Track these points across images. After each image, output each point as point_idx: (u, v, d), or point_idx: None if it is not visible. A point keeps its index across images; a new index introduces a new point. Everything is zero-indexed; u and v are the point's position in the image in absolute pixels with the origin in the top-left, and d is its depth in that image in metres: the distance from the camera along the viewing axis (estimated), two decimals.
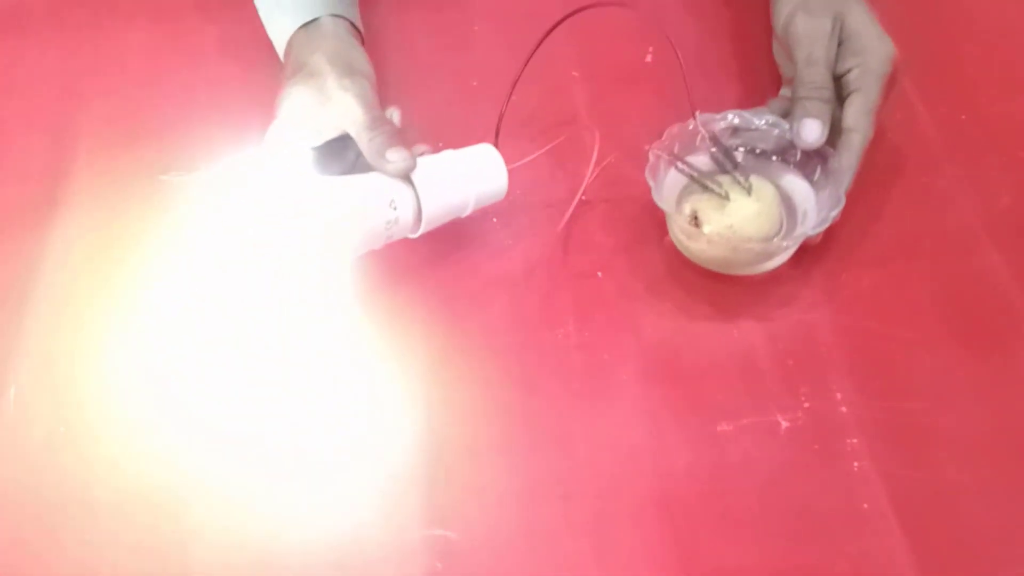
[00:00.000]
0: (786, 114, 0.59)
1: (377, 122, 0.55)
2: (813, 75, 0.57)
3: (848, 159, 0.56)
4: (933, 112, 0.65)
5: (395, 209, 0.54)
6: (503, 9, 0.72)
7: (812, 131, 0.56)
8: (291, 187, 0.54)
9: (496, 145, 0.58)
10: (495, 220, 0.61)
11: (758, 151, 0.59)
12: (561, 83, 0.68)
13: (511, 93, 0.59)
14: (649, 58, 0.65)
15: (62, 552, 0.49)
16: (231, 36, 0.71)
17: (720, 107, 0.60)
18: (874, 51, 0.57)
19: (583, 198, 0.61)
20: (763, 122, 0.59)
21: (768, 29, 0.64)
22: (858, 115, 0.56)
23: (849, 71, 0.58)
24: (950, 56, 0.69)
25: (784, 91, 0.62)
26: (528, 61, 0.60)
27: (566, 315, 0.57)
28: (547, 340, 0.56)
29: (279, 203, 0.53)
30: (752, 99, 0.65)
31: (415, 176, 0.55)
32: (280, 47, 0.62)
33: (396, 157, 0.54)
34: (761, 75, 0.66)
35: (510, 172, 0.58)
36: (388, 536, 0.49)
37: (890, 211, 0.61)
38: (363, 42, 0.63)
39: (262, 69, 0.65)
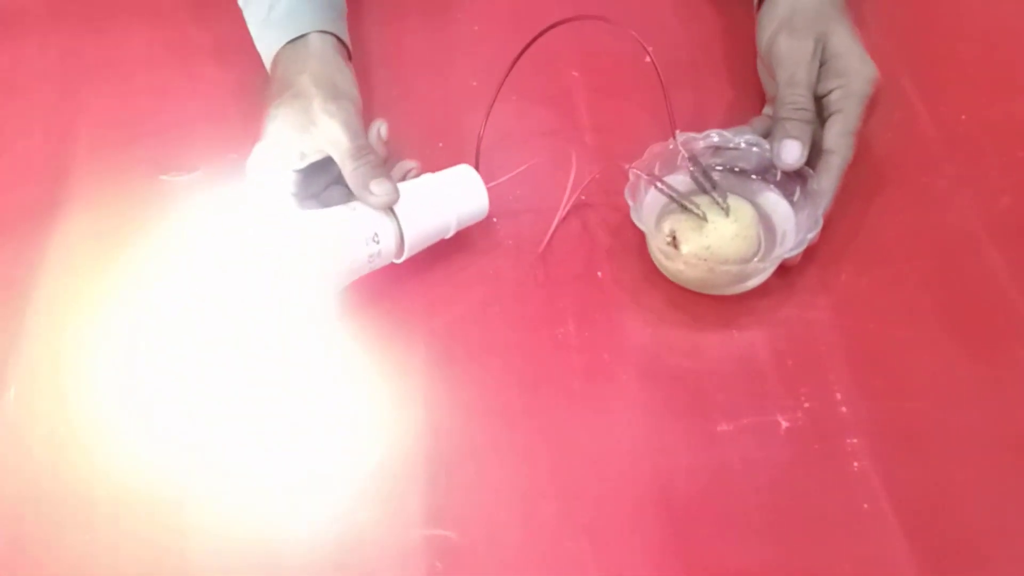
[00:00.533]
0: (768, 133, 0.59)
1: (361, 151, 0.55)
2: (794, 96, 0.57)
3: (827, 181, 0.56)
4: (933, 112, 0.65)
5: (377, 243, 0.55)
6: (503, 9, 0.72)
7: (792, 152, 0.56)
8: (271, 225, 0.54)
9: (476, 166, 0.58)
10: (495, 220, 0.61)
11: (738, 170, 0.60)
12: (560, 83, 0.68)
13: (487, 116, 0.59)
14: (649, 58, 0.64)
15: (62, 552, 0.49)
16: (230, 37, 0.71)
17: (709, 117, 0.60)
18: (856, 73, 0.57)
19: (582, 198, 0.61)
20: (744, 141, 0.59)
21: (754, 30, 0.64)
22: (838, 137, 0.56)
23: (831, 92, 0.57)
24: (950, 56, 0.69)
25: (767, 110, 0.62)
26: (502, 84, 0.60)
27: (566, 315, 0.57)
28: (547, 340, 0.56)
29: (260, 241, 0.53)
30: (742, 108, 0.65)
31: (396, 205, 0.55)
32: (268, 61, 0.62)
33: (380, 190, 0.54)
34: (752, 85, 0.66)
35: (506, 180, 0.58)
36: (388, 536, 0.49)
37: (890, 211, 0.61)
38: (350, 56, 0.63)
39: (260, 70, 0.65)
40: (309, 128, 0.56)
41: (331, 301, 0.57)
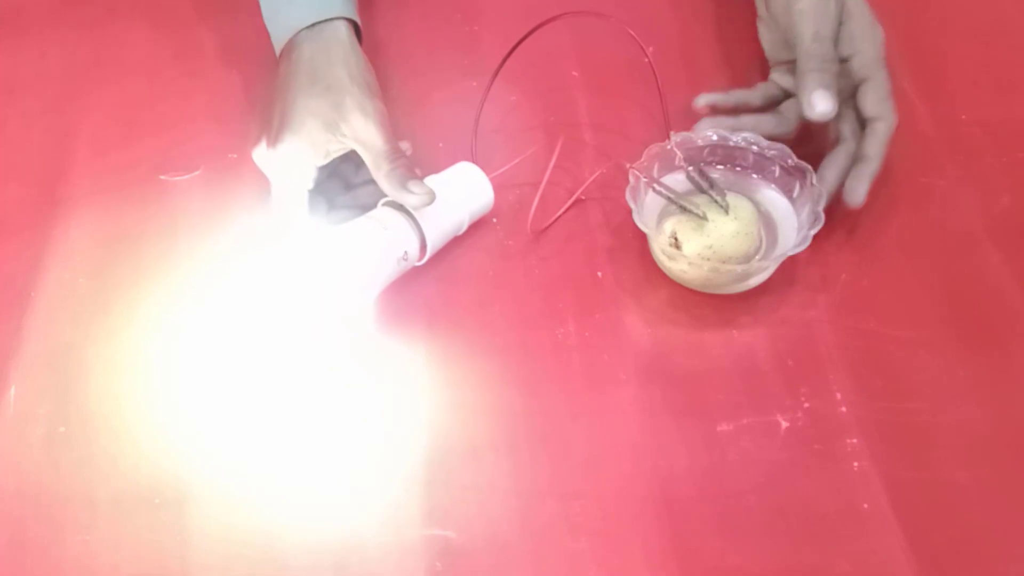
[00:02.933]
0: (772, 100, 0.59)
1: (395, 153, 0.55)
2: (821, 49, 0.57)
3: (875, 146, 0.56)
4: (933, 112, 0.65)
5: (406, 260, 0.55)
6: (503, 9, 0.72)
7: (824, 101, 0.56)
8: (306, 245, 0.54)
9: (474, 159, 0.59)
10: (495, 221, 0.61)
11: (738, 168, 0.60)
12: (560, 83, 0.68)
13: (481, 108, 0.60)
14: (647, 58, 0.65)
15: (62, 552, 0.49)
16: (231, 36, 0.71)
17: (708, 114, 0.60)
18: (870, 38, 0.58)
19: (582, 198, 0.62)
20: (742, 139, 0.59)
21: (752, 26, 0.64)
22: (878, 103, 0.57)
23: (849, 58, 0.58)
24: (950, 56, 0.69)
25: (775, 74, 0.62)
26: (492, 82, 0.61)
27: (566, 315, 0.57)
28: (547, 340, 0.56)
29: (295, 260, 0.54)
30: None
31: (418, 215, 0.56)
32: (281, 41, 0.60)
33: (419, 191, 0.54)
34: (750, 81, 0.66)
35: (501, 176, 0.59)
36: (388, 536, 0.49)
37: (890, 211, 0.61)
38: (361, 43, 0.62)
39: (262, 69, 0.65)
40: (339, 125, 0.55)
41: (366, 314, 0.57)
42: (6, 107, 0.68)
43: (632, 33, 0.61)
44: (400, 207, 0.56)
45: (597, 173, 0.61)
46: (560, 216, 0.61)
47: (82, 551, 0.49)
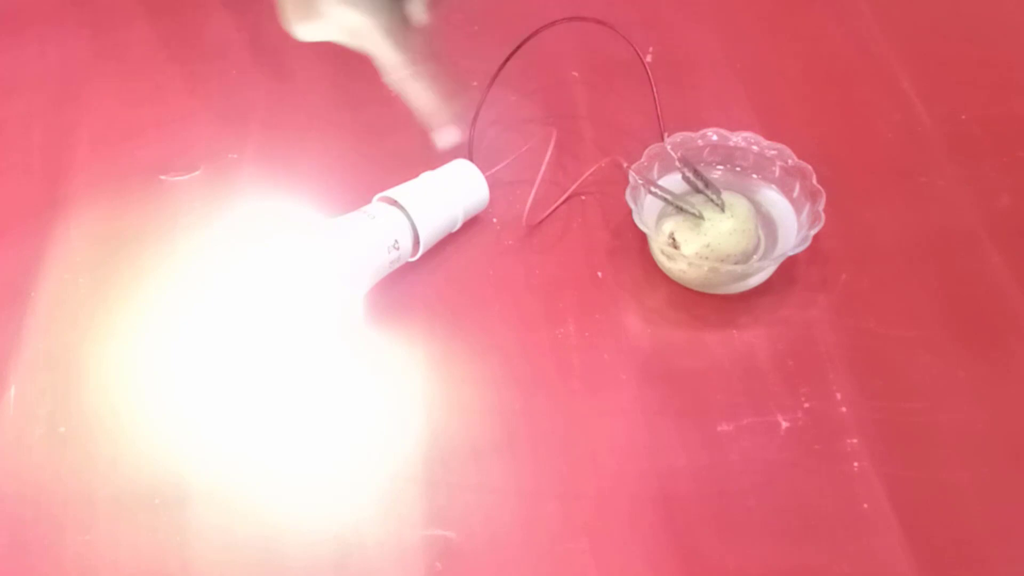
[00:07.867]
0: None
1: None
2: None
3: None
4: (933, 112, 0.65)
5: (398, 249, 0.55)
6: (503, 9, 0.72)
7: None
8: (297, 237, 0.55)
9: (471, 157, 0.60)
10: (495, 220, 0.61)
11: (739, 169, 0.60)
12: (560, 83, 0.68)
13: (478, 110, 0.60)
14: (649, 58, 0.65)
15: (62, 552, 0.49)
16: (231, 36, 0.71)
17: (710, 115, 0.60)
18: None
19: (582, 197, 0.62)
20: (742, 139, 0.59)
21: (762, 32, 0.64)
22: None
23: None
24: (950, 56, 0.69)
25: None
26: (491, 85, 0.61)
27: (566, 315, 0.57)
28: (547, 340, 0.56)
29: (286, 252, 0.54)
30: (743, 106, 0.65)
31: (410, 208, 0.56)
32: None
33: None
34: (752, 82, 0.66)
35: (501, 175, 0.59)
36: (388, 536, 0.49)
37: (890, 211, 0.61)
38: None
39: (262, 69, 0.65)
40: None
41: (356, 308, 0.57)
42: (6, 107, 0.68)
43: (629, 41, 0.61)
44: (392, 202, 0.56)
45: (593, 168, 0.61)
46: (556, 210, 0.61)
47: (83, 551, 0.49)
